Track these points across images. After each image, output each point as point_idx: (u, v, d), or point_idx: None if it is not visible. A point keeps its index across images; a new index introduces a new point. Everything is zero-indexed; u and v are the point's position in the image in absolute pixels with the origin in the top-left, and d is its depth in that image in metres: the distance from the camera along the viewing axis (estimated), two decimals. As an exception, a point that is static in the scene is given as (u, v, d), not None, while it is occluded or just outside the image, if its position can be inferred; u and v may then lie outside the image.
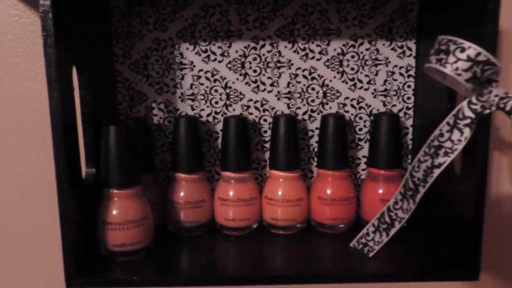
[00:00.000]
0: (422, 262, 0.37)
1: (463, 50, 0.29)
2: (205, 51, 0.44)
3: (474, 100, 0.31)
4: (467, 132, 0.31)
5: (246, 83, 0.45)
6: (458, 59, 0.29)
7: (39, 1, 0.31)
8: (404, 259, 0.37)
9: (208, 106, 0.46)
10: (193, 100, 0.45)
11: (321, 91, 0.45)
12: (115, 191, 0.37)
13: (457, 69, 0.29)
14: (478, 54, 0.29)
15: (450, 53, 0.29)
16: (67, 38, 0.34)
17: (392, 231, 0.36)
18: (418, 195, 0.34)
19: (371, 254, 0.37)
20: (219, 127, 0.46)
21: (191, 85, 0.45)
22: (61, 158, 0.33)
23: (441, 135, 0.32)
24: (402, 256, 0.38)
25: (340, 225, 0.42)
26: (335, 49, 0.44)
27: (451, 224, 0.38)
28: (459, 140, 0.31)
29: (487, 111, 0.30)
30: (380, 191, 0.42)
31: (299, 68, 0.45)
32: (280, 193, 0.42)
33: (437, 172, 0.32)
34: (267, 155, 0.46)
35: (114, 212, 0.37)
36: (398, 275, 0.36)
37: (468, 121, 0.31)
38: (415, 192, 0.34)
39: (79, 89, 0.38)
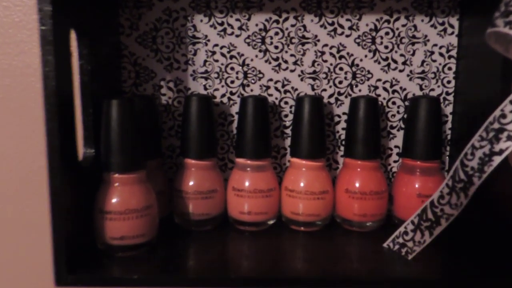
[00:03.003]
0: (471, 267, 0.31)
1: (538, 11, 0.24)
2: (221, 24, 0.40)
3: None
4: (538, 111, 0.26)
5: (266, 61, 0.40)
6: (533, 21, 0.24)
7: None
8: (451, 263, 0.32)
9: (223, 86, 0.41)
10: (206, 78, 0.41)
11: (350, 72, 0.40)
12: (116, 175, 0.32)
13: (531, 33, 0.24)
14: (559, 15, 0.24)
15: (522, 15, 0.24)
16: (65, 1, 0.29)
17: (438, 230, 0.31)
18: (472, 188, 0.29)
19: (410, 256, 0.32)
20: (234, 109, 0.41)
21: (205, 61, 0.40)
22: (54, 133, 0.28)
23: (503, 116, 0.27)
24: (448, 259, 0.32)
25: (369, 223, 0.37)
26: (367, 25, 0.39)
27: (506, 225, 0.33)
28: (528, 122, 0.26)
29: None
30: (417, 185, 0.37)
31: (326, 45, 0.40)
32: (302, 184, 0.37)
33: (497, 160, 0.27)
34: (287, 142, 0.41)
35: (114, 200, 0.32)
36: (443, 282, 0.30)
37: (540, 98, 0.26)
38: (467, 184, 0.29)
39: (79, 58, 0.33)
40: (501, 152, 0.27)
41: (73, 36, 0.32)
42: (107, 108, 0.32)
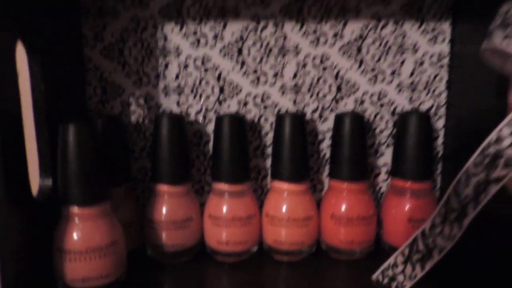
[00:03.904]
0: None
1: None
2: (194, 33, 0.36)
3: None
4: (540, 139, 0.23)
5: (243, 74, 0.37)
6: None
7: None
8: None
9: (197, 102, 0.37)
10: (179, 94, 0.37)
11: (334, 85, 0.37)
12: (76, 209, 0.29)
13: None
14: None
15: (523, 32, 0.22)
16: (7, 5, 0.26)
17: (429, 264, 0.28)
18: (467, 218, 0.26)
19: (401, 292, 0.30)
20: (210, 127, 0.38)
21: (177, 75, 0.37)
22: (-2, 168, 0.25)
23: (499, 140, 0.25)
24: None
25: (357, 250, 0.35)
26: (352, 32, 0.36)
27: (504, 256, 0.30)
28: (529, 150, 0.23)
29: None
30: (407, 208, 0.34)
31: (308, 56, 0.37)
32: (284, 210, 0.34)
33: (493, 189, 0.25)
34: (268, 162, 0.38)
35: (74, 237, 0.29)
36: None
37: (542, 124, 0.23)
38: (461, 214, 0.27)
39: (30, 77, 0.30)
40: (498, 180, 0.24)
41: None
42: (63, 133, 0.29)
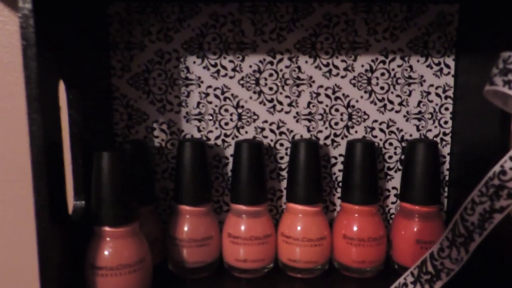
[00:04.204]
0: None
1: (536, 71, 0.24)
2: (215, 65, 0.39)
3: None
4: (538, 171, 0.25)
5: (260, 102, 0.40)
6: (532, 82, 0.24)
7: (18, 5, 0.25)
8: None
9: (217, 128, 0.40)
10: (200, 120, 0.40)
11: (346, 113, 0.40)
12: (108, 229, 0.31)
13: (530, 94, 0.24)
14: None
15: (520, 75, 0.24)
16: (53, 49, 0.29)
17: (438, 285, 0.30)
18: (473, 244, 0.28)
19: (410, 311, 0.31)
20: (229, 151, 0.40)
21: (198, 103, 0.40)
22: (43, 191, 0.27)
23: (503, 172, 0.27)
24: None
25: (368, 269, 0.36)
26: (362, 66, 0.39)
27: (508, 277, 0.32)
28: (529, 181, 0.25)
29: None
30: (415, 231, 0.36)
31: (321, 86, 0.39)
32: (299, 230, 0.36)
33: (498, 217, 0.27)
34: (283, 184, 0.41)
35: (106, 255, 0.31)
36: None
37: (540, 158, 0.25)
38: (468, 240, 0.28)
39: (68, 108, 0.32)
40: (501, 209, 0.26)
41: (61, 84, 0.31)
42: (97, 160, 0.31)
